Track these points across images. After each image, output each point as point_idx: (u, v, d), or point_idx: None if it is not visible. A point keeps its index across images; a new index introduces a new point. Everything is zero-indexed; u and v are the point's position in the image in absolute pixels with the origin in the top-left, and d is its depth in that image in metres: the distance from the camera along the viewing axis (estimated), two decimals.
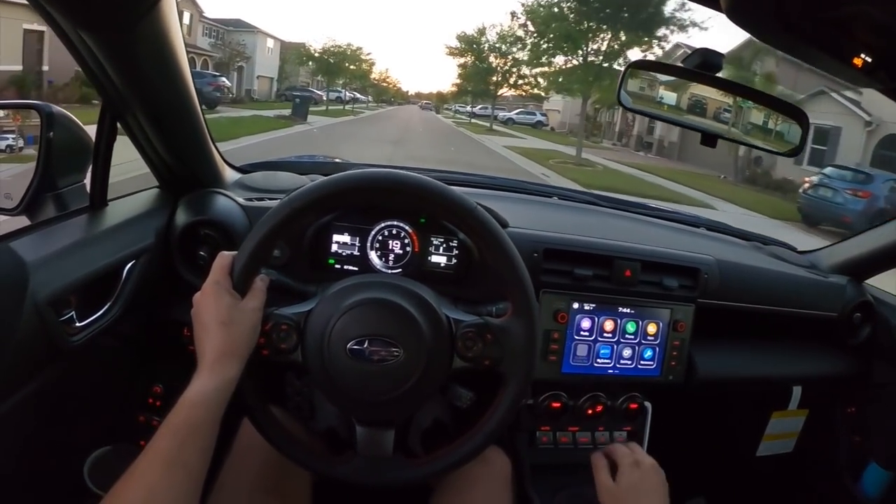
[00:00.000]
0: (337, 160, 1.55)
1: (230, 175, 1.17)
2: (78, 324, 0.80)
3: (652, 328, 1.11)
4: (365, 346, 0.72)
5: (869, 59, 0.63)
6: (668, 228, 1.40)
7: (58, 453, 0.89)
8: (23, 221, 0.90)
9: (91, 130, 0.91)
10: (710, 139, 1.05)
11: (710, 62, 0.97)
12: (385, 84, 63.07)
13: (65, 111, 0.91)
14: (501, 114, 38.69)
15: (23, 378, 0.73)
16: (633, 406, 1.15)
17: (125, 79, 0.78)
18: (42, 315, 0.73)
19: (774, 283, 1.29)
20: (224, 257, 0.72)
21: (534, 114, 38.76)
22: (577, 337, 1.07)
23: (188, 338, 0.94)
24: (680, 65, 1.01)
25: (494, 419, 0.76)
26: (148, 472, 0.57)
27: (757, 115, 1.05)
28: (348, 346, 0.71)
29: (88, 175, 0.92)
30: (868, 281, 1.42)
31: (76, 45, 0.73)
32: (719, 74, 0.97)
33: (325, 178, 0.73)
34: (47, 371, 0.78)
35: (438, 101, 72.11)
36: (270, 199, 1.06)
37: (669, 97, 1.05)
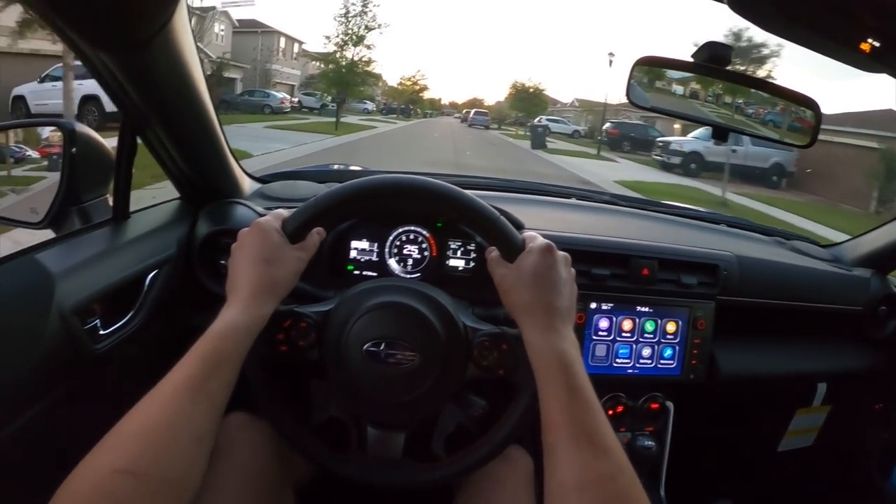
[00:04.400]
0: (354, 168, 1.56)
1: (249, 185, 1.18)
2: (102, 332, 0.82)
3: (671, 327, 1.10)
4: (381, 348, 0.72)
5: (877, 44, 0.62)
6: (688, 226, 1.39)
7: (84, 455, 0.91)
8: (48, 235, 0.93)
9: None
10: (721, 133, 1.05)
11: (718, 55, 0.96)
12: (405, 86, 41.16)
13: (87, 128, 0.93)
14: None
15: (50, 384, 0.75)
16: (655, 406, 1.14)
17: (142, 95, 0.80)
18: (67, 323, 0.75)
19: (796, 278, 1.28)
20: (282, 210, 0.74)
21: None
22: (595, 337, 1.06)
23: None
24: (689, 59, 1.01)
25: (505, 430, 0.75)
26: (174, 396, 0.57)
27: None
28: (365, 347, 0.72)
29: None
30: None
31: (94, 63, 0.76)
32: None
33: (380, 176, 0.74)
34: (73, 377, 0.80)
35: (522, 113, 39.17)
36: (289, 207, 1.08)
37: (679, 91, 1.05)
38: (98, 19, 0.65)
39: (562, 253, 0.73)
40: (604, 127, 25.00)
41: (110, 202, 0.95)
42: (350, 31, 22.29)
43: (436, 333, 0.74)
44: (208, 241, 0.98)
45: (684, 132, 18.29)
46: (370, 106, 37.82)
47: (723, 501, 1.47)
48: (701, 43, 0.95)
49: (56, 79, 11.09)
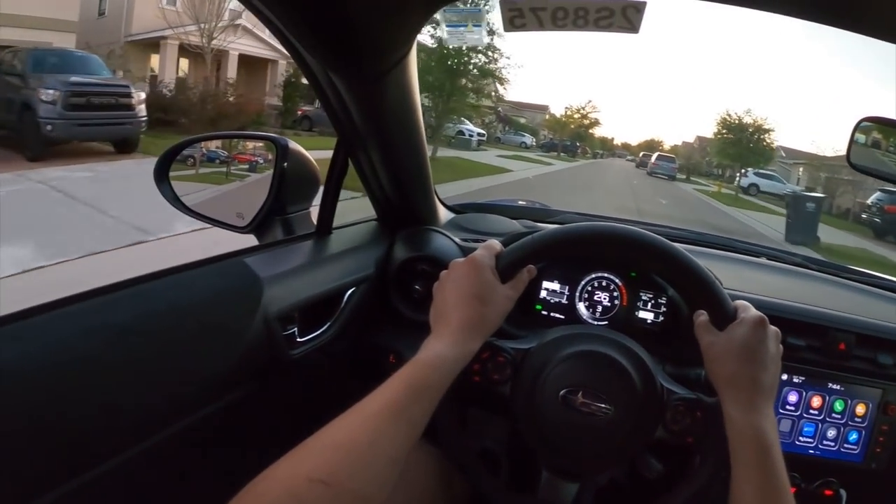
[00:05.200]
0: (547, 206, 1.56)
1: (444, 214, 1.22)
2: (299, 339, 0.87)
3: (861, 409, 1.00)
4: (578, 395, 0.71)
5: None
6: (882, 298, 1.27)
7: (267, 451, 0.96)
8: (250, 240, 1.00)
9: None
10: None
11: None
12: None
13: (298, 146, 1.00)
14: None
15: (245, 379, 0.79)
16: (828, 493, 1.04)
17: (366, 120, 0.85)
18: (270, 327, 0.79)
19: None
20: (495, 242, 0.75)
21: None
22: (781, 411, 0.99)
23: (393, 364, 0.99)
24: None
25: (681, 497, 0.72)
26: (377, 416, 0.57)
27: None
28: (561, 392, 0.71)
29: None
30: None
31: (322, 86, 0.81)
32: None
33: (600, 224, 0.75)
34: (266, 377, 0.84)
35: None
36: (484, 240, 1.10)
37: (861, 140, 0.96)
38: (346, 50, 0.69)
39: (773, 328, 0.70)
40: (872, 199, 14.49)
41: (311, 216, 1.01)
42: None
43: (635, 389, 0.72)
44: (405, 266, 1.02)
45: None
46: (529, 139, 30.10)
47: None
48: None
49: None
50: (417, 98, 0.85)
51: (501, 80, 15.13)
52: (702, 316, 0.72)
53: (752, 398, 0.65)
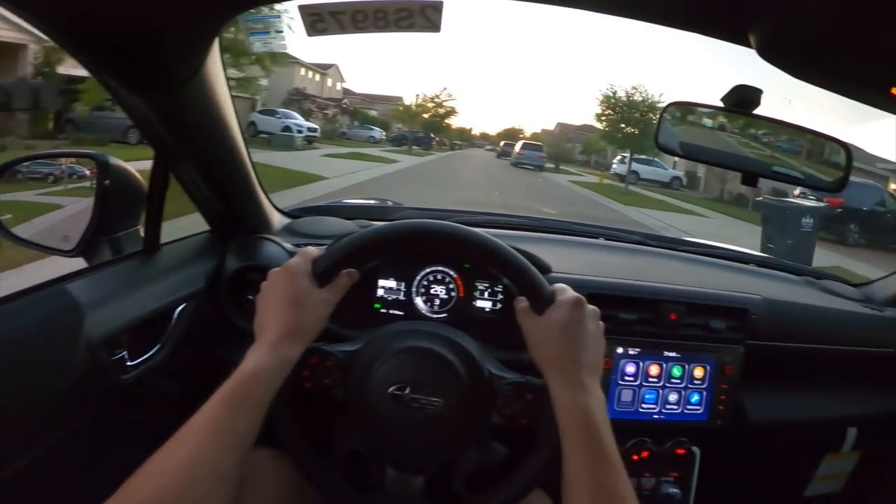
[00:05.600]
0: (388, 203, 1.55)
1: (278, 220, 1.20)
2: (129, 363, 0.83)
3: (699, 372, 1.08)
4: (406, 392, 0.72)
5: None
6: (717, 266, 1.37)
7: (110, 484, 0.91)
8: (79, 263, 0.94)
9: None
10: (750, 178, 1.04)
11: (747, 98, 0.96)
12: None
13: (120, 161, 0.95)
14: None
15: (75, 412, 0.76)
16: (680, 451, 1.12)
17: (174, 134, 0.82)
18: (95, 354, 0.76)
19: (827, 320, 1.25)
20: (312, 248, 0.74)
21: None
22: (621, 382, 1.05)
23: None
24: (718, 103, 1.00)
25: (523, 479, 0.75)
26: (197, 436, 0.57)
27: None
28: (389, 390, 0.72)
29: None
30: None
31: (126, 103, 0.77)
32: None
33: (411, 221, 0.76)
34: (98, 406, 0.80)
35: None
36: (317, 244, 1.09)
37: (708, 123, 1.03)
38: (131, 64, 0.67)
39: (591, 307, 0.73)
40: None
41: (141, 233, 0.96)
42: None
43: (460, 380, 0.74)
44: (236, 277, 0.99)
45: None
46: (378, 133, 27.59)
47: None
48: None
49: None
50: (227, 105, 0.83)
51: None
52: (522, 302, 0.75)
53: (575, 378, 0.68)
